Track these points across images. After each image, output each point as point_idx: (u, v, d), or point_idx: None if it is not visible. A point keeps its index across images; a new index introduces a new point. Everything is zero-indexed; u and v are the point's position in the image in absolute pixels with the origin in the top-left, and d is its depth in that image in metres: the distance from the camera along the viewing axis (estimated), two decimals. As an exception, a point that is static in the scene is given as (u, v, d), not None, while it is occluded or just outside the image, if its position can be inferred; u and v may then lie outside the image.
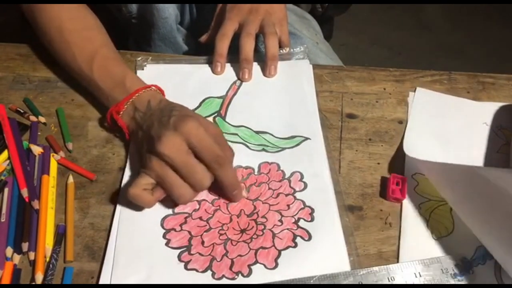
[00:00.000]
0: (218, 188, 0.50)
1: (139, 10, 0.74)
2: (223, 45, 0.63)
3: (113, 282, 0.45)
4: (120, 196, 0.51)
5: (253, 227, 0.49)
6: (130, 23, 0.76)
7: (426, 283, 0.45)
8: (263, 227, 0.49)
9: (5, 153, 0.54)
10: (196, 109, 0.59)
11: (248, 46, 0.62)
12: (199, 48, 0.72)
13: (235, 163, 0.52)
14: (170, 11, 0.73)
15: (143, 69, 0.64)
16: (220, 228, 0.49)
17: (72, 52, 0.59)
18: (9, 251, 0.46)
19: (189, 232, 0.48)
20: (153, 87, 0.56)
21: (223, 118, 0.59)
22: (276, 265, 0.46)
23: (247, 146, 0.56)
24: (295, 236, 0.48)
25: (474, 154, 0.55)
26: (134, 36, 0.79)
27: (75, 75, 0.60)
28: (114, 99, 0.56)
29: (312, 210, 0.50)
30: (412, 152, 0.54)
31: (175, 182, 0.47)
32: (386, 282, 0.45)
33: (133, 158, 0.54)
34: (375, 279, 0.45)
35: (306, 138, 0.56)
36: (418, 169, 0.53)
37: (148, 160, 0.48)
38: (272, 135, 0.57)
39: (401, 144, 0.56)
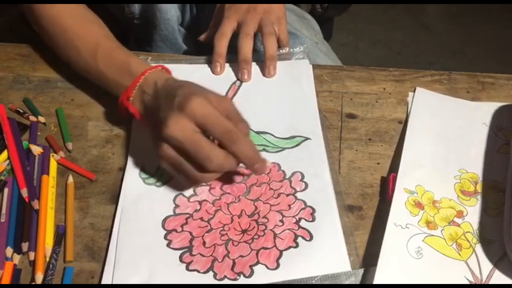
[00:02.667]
0: (229, 178, 0.50)
1: (141, 11, 0.73)
2: (222, 45, 0.63)
3: (115, 283, 0.45)
4: (120, 197, 0.51)
5: (254, 227, 0.49)
6: (131, 23, 0.76)
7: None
8: (264, 227, 0.49)
9: (5, 153, 0.53)
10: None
11: (246, 46, 0.62)
12: (199, 48, 0.72)
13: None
14: (172, 13, 0.73)
15: (143, 69, 0.64)
16: (221, 228, 0.49)
17: (76, 46, 0.59)
18: (9, 251, 0.46)
19: (190, 233, 0.48)
20: (158, 67, 0.55)
21: (223, 118, 0.58)
22: (278, 266, 0.46)
23: (248, 146, 0.55)
24: (296, 236, 0.48)
25: (473, 154, 0.55)
26: (135, 37, 0.79)
27: (81, 70, 0.60)
28: (123, 86, 0.55)
29: (313, 210, 0.50)
30: (412, 152, 0.54)
31: (189, 168, 0.47)
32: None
33: (133, 158, 0.54)
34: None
35: (306, 138, 0.56)
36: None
37: (159, 147, 0.47)
38: (273, 135, 0.57)
39: (401, 144, 0.56)
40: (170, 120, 0.46)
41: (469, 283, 0.45)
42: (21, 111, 0.59)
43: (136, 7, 0.73)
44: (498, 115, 0.59)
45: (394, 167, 0.54)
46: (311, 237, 0.48)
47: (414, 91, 0.62)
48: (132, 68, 0.55)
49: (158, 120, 0.48)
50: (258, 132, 0.57)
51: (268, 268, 0.46)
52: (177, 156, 0.47)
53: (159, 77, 0.53)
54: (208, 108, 0.46)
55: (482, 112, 0.59)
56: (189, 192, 0.51)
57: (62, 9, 0.61)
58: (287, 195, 0.51)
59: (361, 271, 0.45)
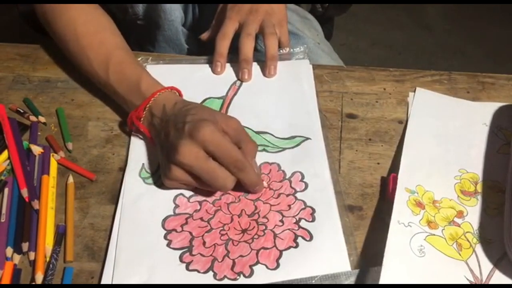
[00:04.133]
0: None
1: (145, 12, 0.73)
2: (223, 45, 0.63)
3: (114, 283, 0.45)
4: (120, 197, 0.51)
5: (254, 227, 0.49)
6: (134, 24, 0.76)
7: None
8: (264, 227, 0.49)
9: (5, 153, 0.53)
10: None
11: (247, 46, 0.62)
12: (201, 49, 0.72)
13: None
14: (176, 14, 0.73)
15: (143, 69, 0.64)
16: (221, 228, 0.49)
17: (88, 56, 0.59)
18: (9, 251, 0.46)
19: (190, 233, 0.48)
20: (168, 89, 0.56)
21: (224, 118, 0.58)
22: (278, 266, 0.46)
23: (248, 146, 0.55)
24: (296, 236, 0.48)
25: (474, 154, 0.55)
26: (137, 37, 0.79)
27: (93, 80, 0.60)
28: (132, 104, 0.55)
29: (313, 210, 0.50)
30: (412, 153, 0.54)
31: (200, 186, 0.49)
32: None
33: (133, 158, 0.54)
34: (376, 278, 0.45)
35: (307, 138, 0.56)
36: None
37: (169, 170, 0.48)
38: (273, 135, 0.57)
39: (401, 144, 0.56)
40: (182, 147, 0.47)
41: (469, 283, 0.45)
42: (22, 111, 0.59)
43: (140, 8, 0.73)
44: (498, 115, 0.59)
45: (394, 167, 0.54)
46: (311, 237, 0.48)
47: (414, 91, 0.62)
48: (142, 88, 0.55)
49: (167, 143, 0.50)
50: (258, 132, 0.57)
51: (268, 268, 0.46)
52: (189, 178, 0.49)
53: (167, 99, 0.54)
54: (218, 136, 0.47)
55: (482, 112, 0.59)
56: (189, 192, 0.51)
57: (76, 15, 0.61)
58: (287, 195, 0.51)
59: (361, 271, 0.45)
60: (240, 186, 0.50)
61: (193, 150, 0.47)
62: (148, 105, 0.54)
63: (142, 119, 0.54)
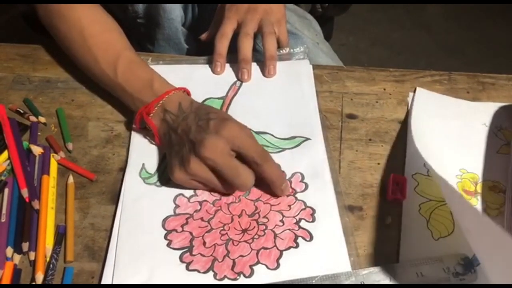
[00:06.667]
0: (260, 185, 0.51)
1: (145, 11, 0.73)
2: (222, 45, 0.63)
3: (115, 283, 0.45)
4: (121, 197, 0.51)
5: (254, 227, 0.49)
6: (134, 23, 0.76)
7: (428, 282, 0.45)
8: (264, 227, 0.49)
9: (5, 153, 0.53)
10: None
11: (246, 46, 0.62)
12: (201, 49, 0.72)
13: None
14: (176, 13, 0.73)
15: (143, 69, 0.63)
16: (222, 228, 0.49)
17: (94, 56, 0.59)
18: (9, 251, 0.46)
19: (191, 233, 0.48)
20: (181, 89, 0.56)
21: (224, 118, 0.58)
22: (278, 266, 0.46)
23: (248, 146, 0.55)
24: (296, 237, 0.48)
25: (474, 154, 0.55)
26: (137, 36, 0.79)
27: (98, 79, 0.60)
28: (142, 101, 0.55)
29: (313, 210, 0.50)
30: (414, 152, 0.54)
31: (217, 184, 0.49)
32: (387, 282, 0.45)
33: (133, 158, 0.54)
34: (377, 279, 0.45)
35: (307, 139, 0.56)
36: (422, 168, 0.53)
37: (188, 163, 0.48)
38: (273, 135, 0.57)
39: (401, 144, 0.56)
40: (208, 142, 0.47)
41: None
42: (22, 112, 0.59)
43: (140, 6, 0.73)
44: (498, 115, 0.59)
45: (394, 167, 0.54)
46: (311, 238, 0.48)
47: (414, 92, 0.62)
48: (155, 86, 0.55)
49: (186, 139, 0.50)
50: (258, 132, 0.57)
51: (268, 268, 0.46)
52: (207, 175, 0.49)
53: (183, 98, 0.54)
54: (242, 132, 0.49)
55: (482, 113, 0.59)
56: (189, 192, 0.51)
57: (82, 15, 0.60)
58: (287, 195, 0.51)
59: (362, 271, 0.45)
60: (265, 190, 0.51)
61: (219, 145, 0.47)
62: (161, 102, 0.54)
63: (151, 114, 0.54)
